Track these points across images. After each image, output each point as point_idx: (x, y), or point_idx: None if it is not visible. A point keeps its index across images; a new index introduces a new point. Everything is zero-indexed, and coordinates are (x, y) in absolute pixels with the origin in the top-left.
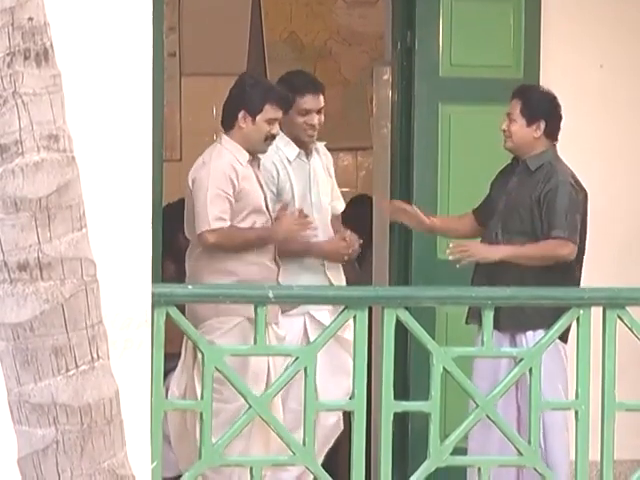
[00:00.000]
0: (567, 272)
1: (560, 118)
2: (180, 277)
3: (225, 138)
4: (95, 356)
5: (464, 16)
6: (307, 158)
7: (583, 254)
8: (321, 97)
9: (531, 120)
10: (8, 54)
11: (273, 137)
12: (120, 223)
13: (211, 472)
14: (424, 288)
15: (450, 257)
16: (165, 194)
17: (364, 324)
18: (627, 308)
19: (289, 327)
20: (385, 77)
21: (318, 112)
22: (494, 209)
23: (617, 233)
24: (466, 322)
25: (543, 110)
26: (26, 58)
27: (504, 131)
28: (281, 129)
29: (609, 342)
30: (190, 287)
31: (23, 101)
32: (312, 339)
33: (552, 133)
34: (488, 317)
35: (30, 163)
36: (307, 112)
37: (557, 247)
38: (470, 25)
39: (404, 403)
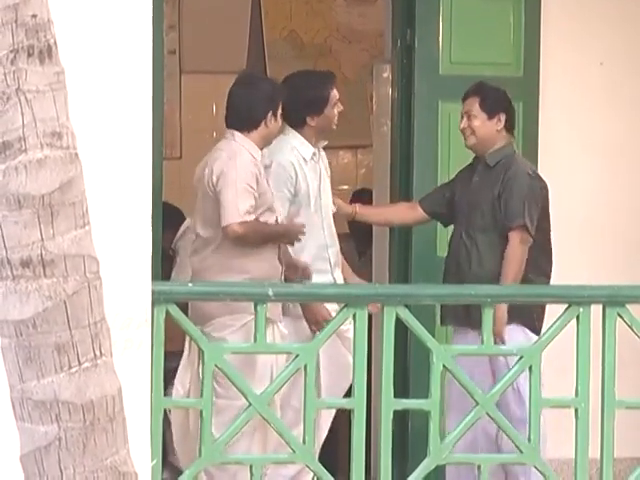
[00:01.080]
0: (535, 266)
1: (515, 112)
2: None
3: (239, 135)
4: (98, 353)
5: (464, 14)
6: (316, 157)
7: (550, 246)
8: None
9: (492, 114)
10: (11, 51)
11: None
12: (120, 221)
13: (216, 469)
14: (424, 286)
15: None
16: (165, 192)
17: (364, 322)
18: (627, 306)
19: (297, 329)
20: (385, 75)
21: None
22: (457, 209)
23: (620, 231)
24: (441, 324)
25: (501, 103)
26: (29, 55)
27: (464, 130)
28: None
29: (609, 340)
30: (190, 285)
31: (26, 98)
32: None
33: (511, 126)
34: (488, 315)
35: (33, 160)
36: (338, 101)
37: (518, 247)
38: (470, 23)
39: (404, 401)
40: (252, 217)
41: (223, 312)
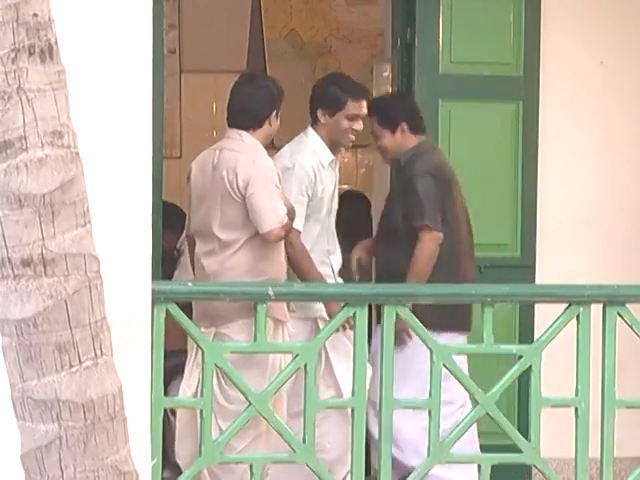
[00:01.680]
0: (445, 264)
1: (417, 112)
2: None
3: (247, 135)
4: (98, 352)
5: (464, 13)
6: (334, 165)
7: (459, 243)
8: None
9: (393, 127)
10: (13, 50)
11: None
12: (120, 220)
13: (223, 472)
14: (424, 286)
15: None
16: (165, 191)
17: (364, 321)
18: (627, 305)
19: (300, 329)
20: (385, 74)
21: (362, 118)
22: None
23: (620, 230)
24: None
25: (398, 114)
26: (30, 54)
27: (378, 149)
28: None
29: (609, 339)
30: (190, 284)
31: (27, 97)
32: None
33: (416, 128)
34: (487, 314)
35: (34, 159)
36: (355, 117)
37: (424, 246)
38: (470, 22)
39: (404, 401)
40: (286, 218)
41: (240, 316)
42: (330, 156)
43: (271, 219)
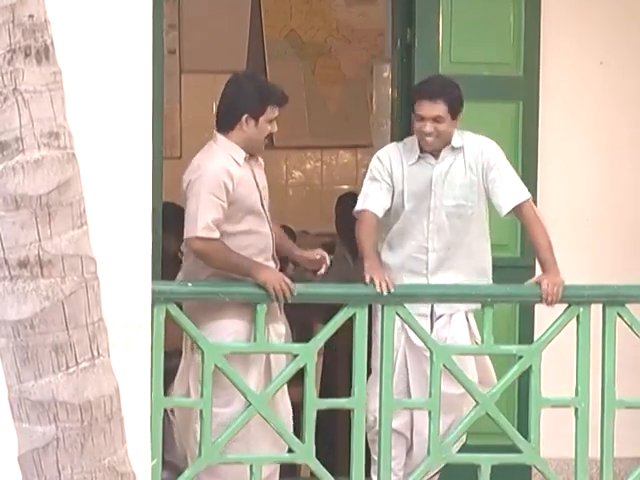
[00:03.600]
0: None
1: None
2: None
3: (220, 137)
4: (95, 353)
5: (464, 13)
6: (435, 159)
7: None
8: (437, 105)
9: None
10: (9, 51)
11: (271, 134)
12: (120, 221)
13: (206, 475)
14: (424, 285)
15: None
16: (165, 192)
17: (364, 322)
18: (627, 306)
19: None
20: (385, 74)
21: (434, 120)
22: None
23: (620, 231)
24: None
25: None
26: (27, 55)
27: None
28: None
29: (609, 339)
30: (190, 285)
31: (24, 98)
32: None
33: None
34: (488, 314)
35: (30, 160)
36: (421, 118)
37: None
38: (470, 22)
39: (404, 401)
40: (215, 233)
41: (212, 317)
42: (415, 156)
43: (190, 227)
